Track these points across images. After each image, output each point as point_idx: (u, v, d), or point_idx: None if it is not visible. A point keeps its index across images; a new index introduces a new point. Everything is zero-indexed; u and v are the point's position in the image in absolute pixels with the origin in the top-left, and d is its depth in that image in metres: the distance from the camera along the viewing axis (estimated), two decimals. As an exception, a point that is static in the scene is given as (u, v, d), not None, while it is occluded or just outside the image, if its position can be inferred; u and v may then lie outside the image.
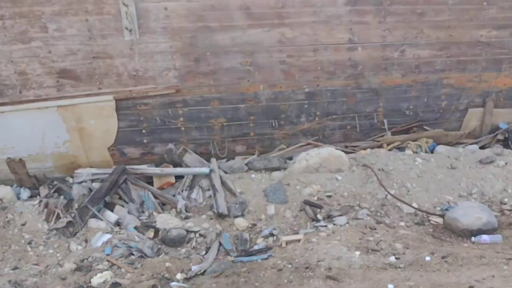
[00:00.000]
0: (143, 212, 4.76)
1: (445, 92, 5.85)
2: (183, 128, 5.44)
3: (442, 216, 4.37)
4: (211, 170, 5.05)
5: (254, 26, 5.09)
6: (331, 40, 5.28)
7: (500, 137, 5.89)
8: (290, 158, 5.59)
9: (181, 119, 5.37)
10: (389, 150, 5.77)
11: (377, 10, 5.25)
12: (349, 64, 5.42)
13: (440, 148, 5.74)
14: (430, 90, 5.80)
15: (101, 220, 4.50)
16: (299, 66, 5.33)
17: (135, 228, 4.42)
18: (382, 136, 5.91)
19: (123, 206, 4.83)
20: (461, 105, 5.99)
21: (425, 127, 6.00)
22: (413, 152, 5.71)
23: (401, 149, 5.90)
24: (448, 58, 5.63)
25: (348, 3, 5.15)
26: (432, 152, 5.89)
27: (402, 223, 4.31)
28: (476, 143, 6.04)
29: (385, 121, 5.86)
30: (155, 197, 4.85)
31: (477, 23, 5.48)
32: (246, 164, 5.30)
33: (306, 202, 4.57)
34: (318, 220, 4.32)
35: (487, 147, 5.94)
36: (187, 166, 5.28)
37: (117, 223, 4.52)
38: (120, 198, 4.96)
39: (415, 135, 5.91)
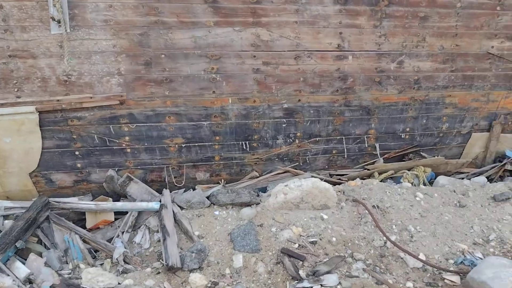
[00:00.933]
0: (67, 262, 3.58)
1: (447, 113, 4.95)
2: (128, 150, 4.30)
3: (459, 273, 3.38)
4: (162, 205, 3.92)
5: (222, 24, 4.04)
6: (317, 45, 4.28)
7: (509, 167, 5.03)
8: (264, 190, 4.54)
9: (127, 138, 4.23)
10: (381, 180, 4.82)
11: (372, 11, 4.31)
12: (337, 76, 4.44)
13: (442, 180, 4.81)
14: (430, 110, 4.88)
15: (7, 275, 3.29)
16: (277, 76, 4.31)
17: (52, 288, 3.22)
18: (373, 163, 4.95)
19: (41, 253, 3.63)
20: (464, 128, 5.10)
21: (422, 154, 5.08)
22: (411, 183, 4.76)
23: (395, 179, 4.96)
24: (452, 73, 4.73)
25: (337, 1, 4.18)
26: (430, 183, 4.98)
27: (410, 284, 3.29)
28: (479, 173, 5.17)
29: (377, 145, 4.91)
30: (85, 242, 3.68)
31: (488, 31, 4.62)
32: (208, 197, 4.20)
33: (285, 252, 3.50)
34: (300, 279, 3.24)
35: (494, 179, 5.07)
36: (131, 198, 4.14)
37: (28, 280, 3.32)
38: (39, 241, 3.76)
39: (411, 163, 4.97)
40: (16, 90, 3.84)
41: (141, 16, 3.89)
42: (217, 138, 4.44)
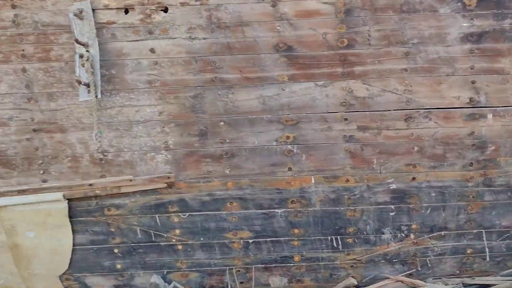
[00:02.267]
0: None
1: None
2: (180, 246, 3.26)
3: None
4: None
5: (300, 79, 2.97)
6: (438, 101, 2.99)
7: None
8: (365, 309, 3.16)
9: (177, 231, 3.21)
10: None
11: (520, 48, 2.95)
12: (470, 143, 3.05)
13: None
14: None
15: None
16: (379, 145, 3.06)
17: None
18: (532, 268, 3.34)
19: None
20: None
21: None
22: None
23: None
24: None
25: (467, 38, 2.91)
26: None
27: None
28: None
29: (534, 241, 3.32)
30: None
31: None
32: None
33: None
34: None
35: None
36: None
37: None
38: None
39: None
40: (41, 172, 3.07)
41: (194, 74, 2.97)
42: (297, 231, 3.24)
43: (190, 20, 2.89)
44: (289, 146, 3.06)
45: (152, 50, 2.92)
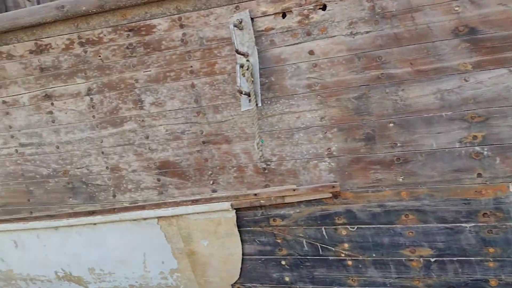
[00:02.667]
0: None
1: None
2: (349, 262, 2.99)
3: None
4: None
5: (488, 66, 2.45)
6: None
7: None
8: None
9: (346, 245, 2.96)
10: None
11: None
12: None
13: None
14: None
15: None
16: None
17: None
18: None
19: None
20: None
21: None
22: None
23: None
24: None
25: None
26: None
27: None
28: None
29: None
30: None
31: None
32: None
33: None
34: None
35: None
36: None
37: None
38: None
39: None
40: (211, 182, 3.17)
41: (357, 73, 2.70)
42: (491, 250, 2.66)
43: (351, 14, 2.64)
44: (477, 148, 2.54)
45: (311, 52, 2.76)
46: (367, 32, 2.64)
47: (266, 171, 3.01)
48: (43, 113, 3.43)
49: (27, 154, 3.55)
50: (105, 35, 3.17)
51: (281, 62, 2.84)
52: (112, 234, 3.48)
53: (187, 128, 3.14)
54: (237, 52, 2.80)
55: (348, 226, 2.91)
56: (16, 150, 3.57)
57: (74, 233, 3.58)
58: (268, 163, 2.99)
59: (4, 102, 3.52)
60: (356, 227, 2.90)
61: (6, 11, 3.50)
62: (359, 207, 2.85)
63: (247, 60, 2.83)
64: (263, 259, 3.20)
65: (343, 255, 2.98)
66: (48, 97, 3.38)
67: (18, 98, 3.47)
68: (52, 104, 3.38)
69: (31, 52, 3.35)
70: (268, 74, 2.87)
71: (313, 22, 2.73)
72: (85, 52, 3.24)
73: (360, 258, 2.95)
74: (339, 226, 2.93)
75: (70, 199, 3.53)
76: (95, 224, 3.49)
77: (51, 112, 3.40)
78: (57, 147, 3.45)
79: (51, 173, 3.52)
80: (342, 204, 2.88)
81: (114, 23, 3.14)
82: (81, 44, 3.23)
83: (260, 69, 2.84)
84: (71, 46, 3.26)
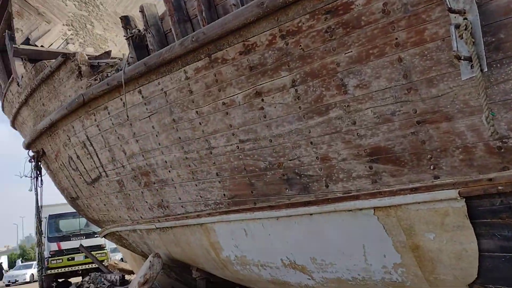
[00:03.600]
0: None
1: None
2: None
3: None
4: None
5: None
6: None
7: None
8: None
9: None
10: None
11: None
12: None
13: None
14: None
15: None
16: None
17: None
18: None
19: None
20: None
21: None
22: None
23: None
24: None
25: None
26: None
27: None
28: None
29: None
30: None
31: None
32: None
33: None
34: None
35: None
36: None
37: None
38: None
39: None
40: (432, 168, 2.75)
41: None
42: None
43: None
44: None
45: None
46: None
47: (503, 150, 2.43)
48: (255, 109, 3.59)
49: (246, 150, 3.79)
50: (303, 23, 3.10)
51: (508, 17, 2.24)
52: (329, 225, 3.41)
53: (397, 108, 2.81)
54: (451, 11, 2.33)
55: None
56: (237, 146, 3.85)
57: (294, 223, 3.66)
58: (504, 140, 2.41)
59: (224, 103, 3.83)
60: None
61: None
62: None
63: (465, 19, 2.33)
64: (507, 257, 2.62)
65: None
66: (258, 94, 3.52)
67: (234, 98, 3.72)
68: (262, 100, 3.51)
69: (240, 53, 3.54)
70: (494, 31, 2.31)
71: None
72: (287, 44, 3.23)
73: None
74: None
75: (287, 190, 3.61)
76: (311, 214, 3.49)
77: (262, 108, 3.53)
78: (270, 141, 3.57)
79: (268, 166, 3.67)
80: None
81: (311, 8, 3.03)
82: (282, 37, 3.24)
83: (482, 26, 2.30)
84: (273, 41, 3.31)
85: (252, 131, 3.68)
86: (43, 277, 12.69)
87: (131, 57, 4.60)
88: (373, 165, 3.02)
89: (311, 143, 3.31)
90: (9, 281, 23.32)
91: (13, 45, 6.49)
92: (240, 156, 3.87)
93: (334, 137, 3.16)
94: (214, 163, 4.09)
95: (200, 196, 4.43)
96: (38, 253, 8.92)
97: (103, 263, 11.49)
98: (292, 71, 3.26)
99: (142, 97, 4.45)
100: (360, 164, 3.09)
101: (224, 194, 4.18)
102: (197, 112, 4.01)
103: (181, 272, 6.07)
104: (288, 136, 3.43)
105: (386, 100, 2.84)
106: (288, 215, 3.64)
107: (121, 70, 4.59)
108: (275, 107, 3.46)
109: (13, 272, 24.91)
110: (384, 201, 2.99)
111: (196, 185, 4.40)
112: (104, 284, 6.84)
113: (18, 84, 6.55)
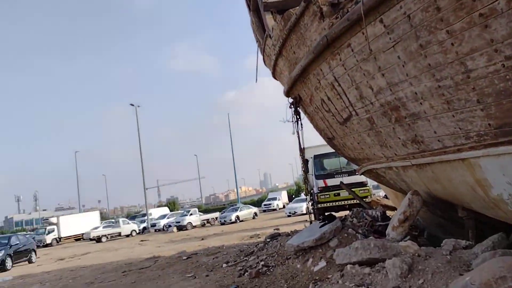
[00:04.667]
0: None
1: None
2: None
3: None
4: None
5: None
6: None
7: None
8: None
9: None
10: None
11: None
12: None
13: None
14: None
15: None
16: None
17: None
18: None
19: None
20: None
21: None
22: None
23: None
24: None
25: None
26: None
27: None
28: None
29: None
30: None
31: None
32: None
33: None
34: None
35: None
36: None
37: None
38: None
39: None
40: None
41: None
42: None
43: None
44: None
45: None
46: None
47: None
48: (526, 14, 2.84)
49: (515, 67, 3.08)
50: None
51: None
52: None
53: None
54: None
55: None
56: (503, 64, 3.17)
57: None
58: None
59: (481, 15, 3.17)
60: None
61: None
62: None
63: None
64: None
65: None
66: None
67: (494, 5, 3.03)
68: (536, -1, 2.73)
69: None
70: None
71: None
72: None
73: None
74: None
75: None
76: None
77: (535, 10, 2.76)
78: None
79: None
80: None
81: None
82: None
83: None
84: None
85: (523, 42, 2.94)
86: (315, 210, 14.16)
87: (369, -15, 4.30)
88: None
89: None
90: (289, 212, 27.09)
91: (263, 0, 7.03)
92: (508, 76, 3.17)
93: None
94: (474, 88, 3.50)
95: (459, 128, 3.90)
96: (305, 189, 9.88)
97: (366, 199, 11.89)
98: None
99: (384, 26, 4.13)
100: None
101: (489, 124, 3.56)
102: (447, 31, 3.46)
103: (446, 209, 5.66)
104: None
105: None
106: None
107: (359, 2, 4.36)
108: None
109: (291, 205, 28.78)
110: None
111: (453, 116, 3.89)
112: (366, 219, 7.05)
113: (270, 37, 7.11)
